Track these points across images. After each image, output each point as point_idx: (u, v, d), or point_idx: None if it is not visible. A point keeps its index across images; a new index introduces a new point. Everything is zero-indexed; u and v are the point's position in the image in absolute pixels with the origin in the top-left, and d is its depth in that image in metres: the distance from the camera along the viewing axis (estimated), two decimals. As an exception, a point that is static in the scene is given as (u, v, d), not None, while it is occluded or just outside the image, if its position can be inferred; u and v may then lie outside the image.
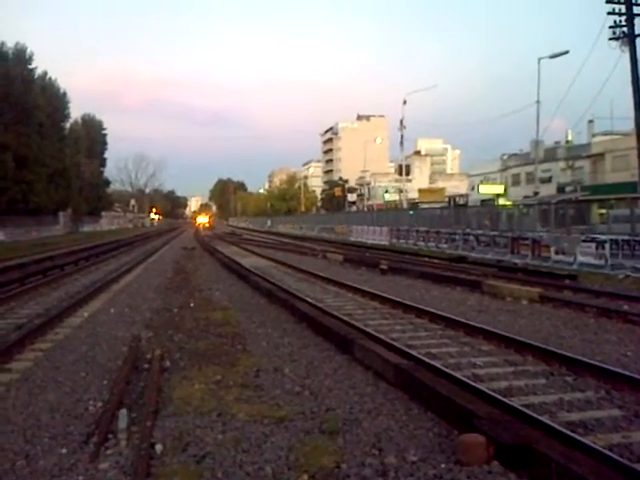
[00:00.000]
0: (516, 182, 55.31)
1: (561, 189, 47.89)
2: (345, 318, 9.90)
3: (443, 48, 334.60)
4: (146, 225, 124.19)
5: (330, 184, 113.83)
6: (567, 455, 4.02)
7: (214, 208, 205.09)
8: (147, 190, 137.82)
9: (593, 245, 19.18)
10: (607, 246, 18.59)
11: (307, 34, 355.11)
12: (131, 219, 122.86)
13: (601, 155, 45.81)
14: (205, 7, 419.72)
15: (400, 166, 59.09)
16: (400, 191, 60.79)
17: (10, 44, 55.86)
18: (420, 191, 76.03)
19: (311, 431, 5.11)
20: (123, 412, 5.30)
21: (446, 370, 6.58)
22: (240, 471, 4.34)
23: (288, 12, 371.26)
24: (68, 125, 74.48)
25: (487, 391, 5.81)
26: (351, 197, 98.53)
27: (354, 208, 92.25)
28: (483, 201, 51.61)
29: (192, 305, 12.27)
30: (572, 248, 19.95)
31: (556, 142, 56.62)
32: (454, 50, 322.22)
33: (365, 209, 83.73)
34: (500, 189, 55.42)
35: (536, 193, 38.52)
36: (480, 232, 28.27)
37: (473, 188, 61.27)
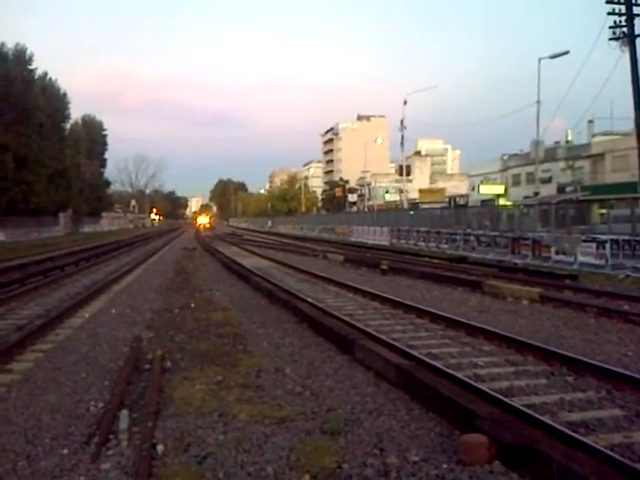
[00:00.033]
0: (516, 182, 55.31)
1: (561, 189, 47.89)
2: (346, 318, 9.89)
3: (443, 48, 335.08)
4: (146, 226, 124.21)
5: (331, 184, 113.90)
6: (569, 455, 4.03)
7: (214, 209, 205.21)
8: (147, 191, 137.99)
9: (593, 245, 19.18)
10: (607, 246, 18.59)
11: (307, 34, 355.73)
12: (131, 220, 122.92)
13: (601, 155, 45.81)
14: (205, 7, 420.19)
15: (400, 166, 59.17)
16: (400, 191, 60.84)
17: (10, 45, 56.08)
18: (420, 191, 76.04)
19: (312, 431, 5.11)
20: (124, 413, 5.29)
21: (447, 370, 6.57)
22: (242, 471, 4.34)
23: (288, 12, 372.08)
24: (68, 126, 74.56)
25: (488, 391, 5.81)
26: (351, 197, 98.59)
27: (354, 208, 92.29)
28: (483, 201, 51.63)
29: (193, 305, 12.28)
30: (572, 248, 19.95)
31: (556, 142, 56.64)
32: (454, 50, 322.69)
33: (366, 209, 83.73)
34: (500, 189, 55.41)
35: (536, 193, 38.53)
36: (481, 232, 28.28)
37: (473, 188, 61.28)
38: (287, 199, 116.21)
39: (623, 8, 25.02)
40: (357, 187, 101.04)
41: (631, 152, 30.99)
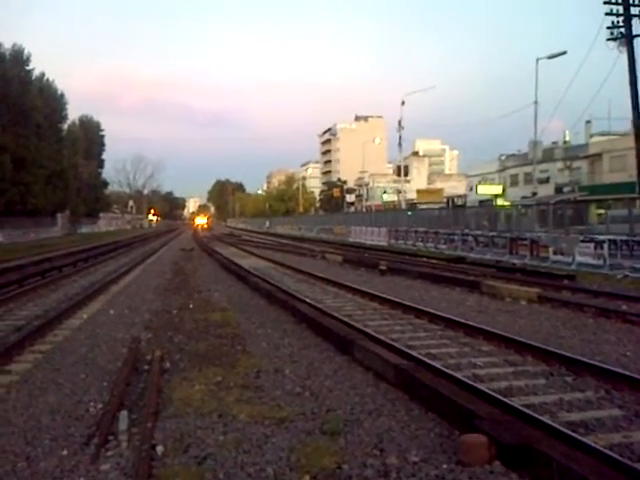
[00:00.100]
0: (514, 182, 55.37)
1: (559, 189, 47.96)
2: (345, 319, 9.89)
3: (443, 48, 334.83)
4: (144, 226, 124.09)
5: (328, 185, 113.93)
6: (568, 455, 4.03)
7: (212, 209, 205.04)
8: (145, 191, 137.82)
9: (591, 245, 19.21)
10: (605, 246, 18.64)
11: (306, 34, 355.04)
12: (129, 220, 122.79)
13: (599, 155, 45.87)
14: (203, 8, 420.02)
15: (398, 167, 59.13)
16: (398, 192, 60.83)
17: (7, 45, 55.92)
18: (418, 192, 76.07)
19: (312, 432, 5.11)
20: (124, 413, 5.30)
21: (446, 370, 6.58)
22: (241, 472, 4.34)
23: (287, 13, 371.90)
24: (66, 126, 74.42)
25: (488, 391, 5.81)
26: (349, 198, 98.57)
27: (352, 209, 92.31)
28: (481, 202, 51.63)
29: (191, 306, 12.27)
30: (570, 248, 19.99)
31: (554, 142, 56.75)
32: (454, 50, 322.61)
33: (363, 210, 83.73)
34: (498, 189, 55.46)
35: (534, 193, 38.62)
36: (479, 233, 28.30)
37: (471, 189, 61.32)
38: (285, 199, 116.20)
39: (621, 9, 25.11)
40: (355, 187, 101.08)
41: (629, 152, 31.10)
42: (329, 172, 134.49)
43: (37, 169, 55.96)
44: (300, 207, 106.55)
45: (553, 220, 23.97)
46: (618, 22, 25.15)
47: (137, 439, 4.87)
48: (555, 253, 20.88)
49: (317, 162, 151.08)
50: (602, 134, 52.21)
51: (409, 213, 43.31)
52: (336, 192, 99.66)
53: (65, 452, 4.72)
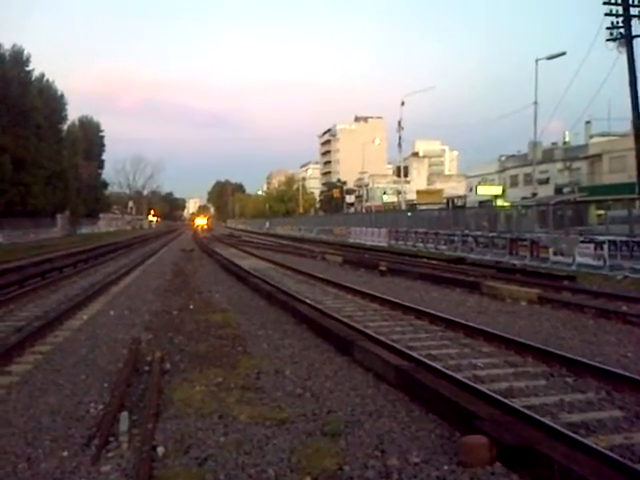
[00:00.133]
0: (514, 183, 55.39)
1: (559, 190, 47.97)
2: (345, 320, 9.89)
3: (443, 48, 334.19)
4: (144, 227, 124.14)
5: (328, 186, 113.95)
6: (569, 456, 4.04)
7: (212, 210, 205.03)
8: (145, 192, 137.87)
9: (591, 246, 19.22)
10: (605, 247, 18.64)
11: (306, 35, 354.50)
12: (129, 221, 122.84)
13: (598, 156, 45.89)
14: (203, 8, 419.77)
15: (398, 167, 59.14)
16: (398, 192, 60.87)
17: (7, 46, 55.98)
18: (418, 192, 76.07)
19: (313, 433, 5.11)
20: (124, 414, 5.29)
21: (447, 371, 6.58)
22: (242, 473, 4.34)
23: (287, 13, 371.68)
24: (65, 127, 74.42)
25: (488, 392, 5.81)
26: (349, 199, 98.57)
27: (352, 210, 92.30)
28: (481, 202, 51.62)
29: (192, 307, 12.26)
30: (570, 249, 19.99)
31: (554, 143, 56.78)
32: (454, 50, 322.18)
33: (363, 211, 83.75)
34: (498, 190, 55.48)
35: (534, 194, 38.63)
36: (479, 233, 28.31)
37: (471, 189, 61.34)
38: (285, 200, 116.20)
39: (620, 9, 25.12)
40: (355, 188, 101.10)
41: (628, 153, 31.12)
42: (329, 173, 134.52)
43: (37, 170, 55.97)
44: (300, 208, 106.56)
45: (553, 221, 23.98)
46: (618, 22, 25.17)
47: (138, 440, 4.87)
48: (555, 254, 20.88)
49: (317, 163, 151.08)
50: (602, 135, 52.26)
51: (409, 214, 43.30)
52: (336, 193, 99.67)
53: (66, 453, 4.72)
